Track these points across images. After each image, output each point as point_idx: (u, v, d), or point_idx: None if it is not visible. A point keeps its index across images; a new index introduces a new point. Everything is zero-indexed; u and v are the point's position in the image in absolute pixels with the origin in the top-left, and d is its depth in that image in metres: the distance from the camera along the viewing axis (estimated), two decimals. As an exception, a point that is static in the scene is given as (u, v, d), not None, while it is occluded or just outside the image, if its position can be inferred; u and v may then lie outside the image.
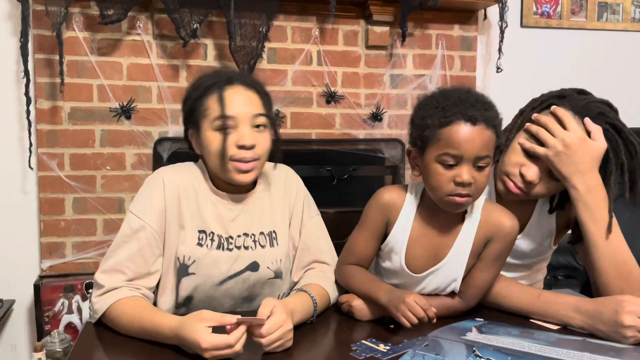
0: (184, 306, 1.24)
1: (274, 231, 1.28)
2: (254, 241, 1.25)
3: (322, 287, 1.22)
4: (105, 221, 2.14)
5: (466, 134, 1.03)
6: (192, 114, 1.22)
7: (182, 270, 1.21)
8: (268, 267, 1.25)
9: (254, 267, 1.24)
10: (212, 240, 1.22)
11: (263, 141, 1.20)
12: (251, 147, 1.18)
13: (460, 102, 1.05)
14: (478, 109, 1.04)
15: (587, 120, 1.14)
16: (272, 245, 1.27)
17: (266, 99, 1.23)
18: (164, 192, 1.21)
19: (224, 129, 1.17)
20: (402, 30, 2.29)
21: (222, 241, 1.23)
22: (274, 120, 1.23)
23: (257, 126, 1.19)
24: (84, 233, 2.13)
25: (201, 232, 1.22)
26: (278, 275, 1.27)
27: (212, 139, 1.18)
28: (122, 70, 2.13)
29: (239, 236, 1.24)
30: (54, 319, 2.09)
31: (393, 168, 2.40)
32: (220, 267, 1.22)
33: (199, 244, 1.21)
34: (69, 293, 2.10)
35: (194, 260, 1.21)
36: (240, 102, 1.18)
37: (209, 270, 1.21)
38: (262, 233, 1.26)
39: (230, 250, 1.23)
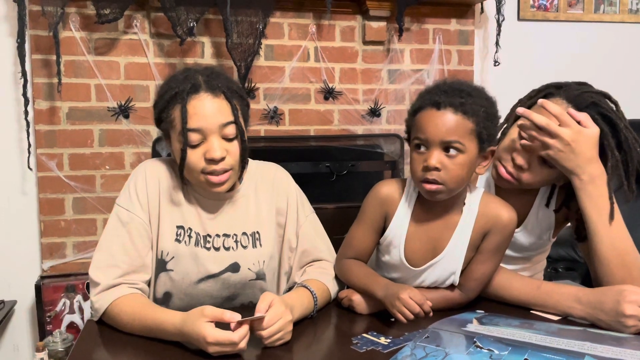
0: (163, 303, 1.22)
1: (257, 232, 1.25)
2: (236, 242, 1.23)
3: (322, 282, 1.22)
4: (105, 221, 2.12)
5: (431, 118, 1.06)
6: (160, 122, 1.18)
7: (161, 266, 1.20)
8: (249, 269, 1.23)
9: (234, 268, 1.22)
10: (189, 236, 1.20)
11: (234, 150, 1.15)
12: (221, 160, 1.13)
13: (434, 90, 1.08)
14: (450, 95, 1.05)
15: (570, 110, 1.13)
16: (254, 246, 1.24)
17: (236, 102, 1.15)
18: (146, 184, 1.20)
19: (191, 145, 1.12)
20: (399, 25, 2.29)
21: (199, 239, 1.21)
22: (242, 127, 1.15)
23: (227, 138, 1.14)
24: (84, 233, 2.14)
25: (179, 228, 1.20)
26: (260, 276, 1.25)
27: (180, 151, 1.14)
28: (119, 70, 2.13)
29: (217, 236, 1.22)
30: (56, 319, 2.10)
31: (392, 163, 2.40)
32: (199, 266, 1.20)
33: (177, 240, 1.20)
34: (70, 293, 2.11)
35: (173, 257, 1.20)
36: (206, 112, 1.11)
37: (186, 268, 1.20)
38: (244, 233, 1.24)
39: (208, 249, 1.21)
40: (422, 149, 1.07)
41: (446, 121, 1.04)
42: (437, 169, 1.05)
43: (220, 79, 1.16)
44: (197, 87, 1.13)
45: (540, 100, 1.17)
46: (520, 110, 1.16)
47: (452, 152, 1.05)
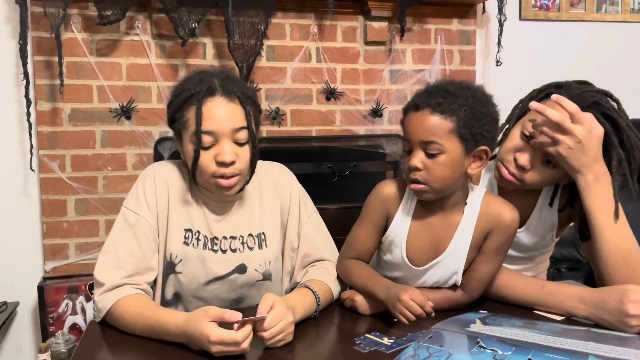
0: (173, 305, 1.23)
1: (263, 233, 1.26)
2: (242, 243, 1.24)
3: (324, 283, 1.22)
4: (107, 222, 2.14)
5: (411, 119, 1.10)
6: (173, 121, 1.19)
7: (169, 268, 1.21)
8: (256, 270, 1.24)
9: (241, 269, 1.23)
10: (197, 239, 1.21)
11: (245, 155, 1.16)
12: (231, 164, 1.14)
13: (420, 91, 1.11)
14: (432, 96, 1.06)
15: None
16: (260, 247, 1.25)
17: (250, 108, 1.17)
18: (155, 187, 1.20)
19: (203, 147, 1.13)
20: (401, 25, 2.29)
21: (207, 241, 1.22)
22: (254, 133, 1.16)
23: (239, 142, 1.15)
24: (86, 234, 2.14)
25: (187, 231, 1.21)
26: (267, 277, 1.26)
27: (192, 153, 1.14)
28: (121, 71, 2.13)
29: (225, 238, 1.23)
30: (58, 320, 2.10)
31: (394, 163, 2.40)
32: (207, 268, 1.21)
33: (185, 243, 1.21)
34: (72, 294, 2.11)
35: (181, 259, 1.20)
36: (220, 116, 1.13)
37: (194, 270, 1.21)
38: (250, 235, 1.25)
39: (216, 251, 1.22)
40: (407, 149, 1.10)
41: (423, 122, 1.06)
42: (418, 169, 1.07)
43: (236, 84, 1.17)
44: (213, 90, 1.14)
45: (554, 96, 1.15)
46: (535, 105, 1.14)
47: (432, 152, 1.07)
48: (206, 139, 1.13)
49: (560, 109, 1.12)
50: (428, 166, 1.07)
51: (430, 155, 1.07)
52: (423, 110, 1.07)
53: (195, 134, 1.13)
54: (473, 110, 1.07)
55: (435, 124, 1.06)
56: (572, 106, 1.12)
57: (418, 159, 1.07)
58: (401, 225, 1.16)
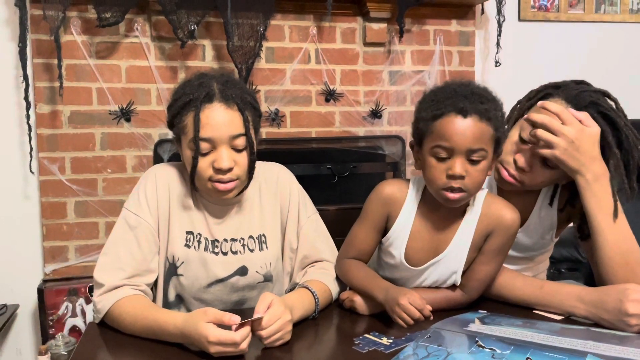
0: (175, 307, 1.24)
1: (263, 234, 1.26)
2: (243, 245, 1.24)
3: (323, 283, 1.22)
4: (107, 224, 2.14)
5: (457, 126, 1.03)
6: (172, 125, 1.19)
7: (171, 270, 1.21)
8: (257, 272, 1.24)
9: (242, 271, 1.23)
10: (199, 242, 1.21)
11: (243, 161, 1.16)
12: (229, 170, 1.14)
13: (454, 95, 1.05)
14: (472, 101, 1.03)
15: (570, 110, 1.13)
16: (261, 249, 1.25)
17: (249, 114, 1.16)
18: (156, 189, 1.21)
19: (201, 153, 1.13)
20: (400, 26, 2.29)
21: (208, 244, 1.22)
22: (252, 139, 1.16)
23: (237, 149, 1.15)
24: (86, 236, 2.14)
25: (189, 233, 1.21)
26: (268, 278, 1.26)
27: (191, 159, 1.14)
28: (120, 73, 2.13)
29: (225, 240, 1.23)
30: (58, 322, 2.10)
31: (394, 164, 2.40)
32: (208, 270, 1.21)
33: (187, 245, 1.21)
34: (72, 296, 2.11)
35: (183, 262, 1.21)
36: (218, 122, 1.12)
37: (196, 273, 1.21)
38: (251, 237, 1.25)
39: (217, 254, 1.22)
40: (444, 156, 1.05)
41: (473, 129, 1.03)
42: (462, 177, 1.04)
43: (236, 89, 1.16)
44: (211, 96, 1.13)
45: (540, 103, 1.17)
46: (525, 117, 1.17)
47: (476, 159, 1.04)
48: (204, 146, 1.13)
49: (549, 112, 1.13)
50: (470, 173, 1.05)
51: (472, 162, 1.05)
52: (471, 117, 1.03)
53: (193, 140, 1.13)
54: (503, 114, 1.08)
55: (483, 131, 1.04)
56: (558, 108, 1.13)
57: (463, 166, 1.04)
58: (403, 227, 1.16)
